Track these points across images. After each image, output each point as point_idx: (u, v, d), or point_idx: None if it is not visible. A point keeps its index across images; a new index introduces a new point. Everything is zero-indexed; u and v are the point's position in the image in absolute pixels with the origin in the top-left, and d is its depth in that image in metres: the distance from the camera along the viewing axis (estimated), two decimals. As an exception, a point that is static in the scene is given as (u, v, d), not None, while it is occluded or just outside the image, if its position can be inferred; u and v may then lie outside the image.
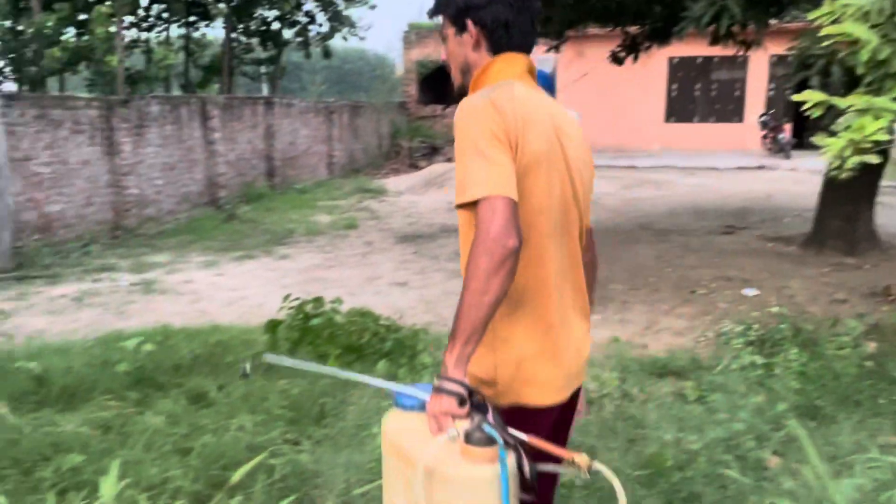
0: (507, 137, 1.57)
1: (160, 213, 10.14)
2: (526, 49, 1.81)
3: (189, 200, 10.91)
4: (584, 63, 19.34)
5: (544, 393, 1.65)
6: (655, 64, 15.56)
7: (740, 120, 20.51)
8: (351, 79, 40.37)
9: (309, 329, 4.41)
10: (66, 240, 8.38)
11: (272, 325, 4.48)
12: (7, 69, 15.76)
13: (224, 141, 11.79)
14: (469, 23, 1.75)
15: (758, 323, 5.20)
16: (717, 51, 15.92)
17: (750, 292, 6.44)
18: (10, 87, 15.86)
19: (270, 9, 20.92)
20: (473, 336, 1.48)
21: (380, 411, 3.39)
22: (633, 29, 9.10)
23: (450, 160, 18.14)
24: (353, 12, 21.87)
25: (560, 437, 1.81)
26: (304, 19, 21.61)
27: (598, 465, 1.44)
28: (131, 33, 19.92)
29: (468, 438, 1.43)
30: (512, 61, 1.77)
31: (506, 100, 1.61)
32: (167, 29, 20.55)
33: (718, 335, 5.24)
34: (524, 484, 1.49)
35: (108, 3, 15.18)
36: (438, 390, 1.49)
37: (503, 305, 1.55)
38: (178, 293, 6.62)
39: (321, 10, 22.08)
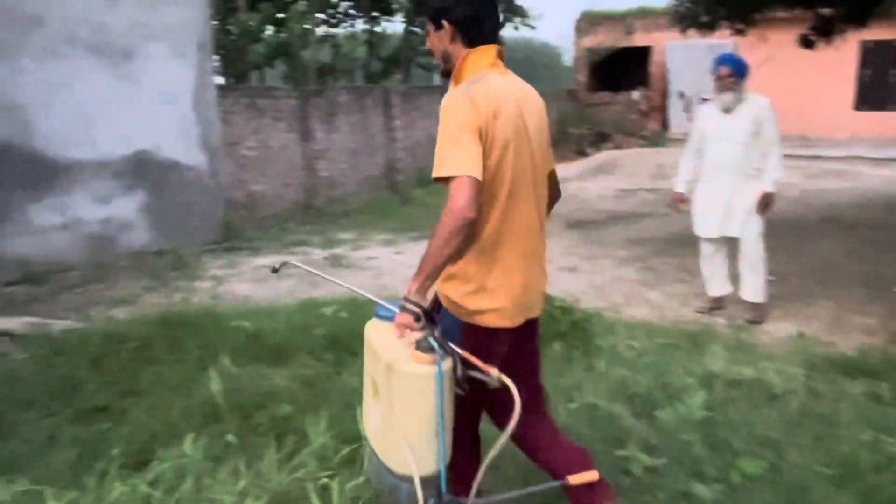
0: (480, 129, 1.97)
1: (345, 195, 10.73)
2: (494, 38, 2.19)
3: (370, 183, 11.46)
4: (767, 47, 18.06)
5: (498, 318, 2.13)
6: (845, 48, 14.18)
7: (945, 107, 18.30)
8: (517, 68, 40.33)
9: (487, 306, 4.51)
10: (267, 216, 9.10)
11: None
12: (218, 64, 17.26)
13: (403, 128, 12.24)
14: (444, 21, 2.14)
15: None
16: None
17: (953, 293, 5.79)
18: (219, 80, 17.38)
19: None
20: (432, 274, 1.96)
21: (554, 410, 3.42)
22: (826, 11, 8.39)
23: (618, 147, 17.68)
24: (525, 2, 21.79)
25: (527, 356, 2.35)
26: (478, 10, 21.83)
27: (505, 378, 1.92)
28: (321, 29, 21.15)
29: (417, 346, 1.93)
30: (484, 52, 2.15)
31: (481, 96, 2.00)
32: (353, 24, 21.59)
33: (917, 337, 4.78)
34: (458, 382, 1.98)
35: (303, 2, 16.19)
36: (403, 308, 1.97)
37: (474, 252, 2.08)
38: (363, 268, 7.00)
39: (495, 1, 22.21)
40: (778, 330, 5.00)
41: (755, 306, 5.29)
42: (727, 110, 5.07)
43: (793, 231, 8.45)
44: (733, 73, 4.98)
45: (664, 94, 21.16)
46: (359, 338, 4.35)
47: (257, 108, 8.95)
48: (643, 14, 20.54)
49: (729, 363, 4.03)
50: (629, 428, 3.07)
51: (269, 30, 18.00)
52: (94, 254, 6.73)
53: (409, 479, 1.93)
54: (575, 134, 18.20)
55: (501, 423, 2.18)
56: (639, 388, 3.44)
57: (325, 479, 2.61)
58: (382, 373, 1.98)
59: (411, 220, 9.59)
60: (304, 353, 3.97)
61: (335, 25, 21.66)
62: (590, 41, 21.16)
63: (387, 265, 7.11)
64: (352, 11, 21.02)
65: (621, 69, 21.66)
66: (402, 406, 1.96)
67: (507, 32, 24.46)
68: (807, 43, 8.54)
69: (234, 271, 6.82)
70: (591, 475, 2.11)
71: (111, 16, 6.76)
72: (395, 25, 24.09)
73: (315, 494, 2.42)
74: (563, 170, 14.83)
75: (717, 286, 5.48)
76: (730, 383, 3.75)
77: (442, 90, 13.91)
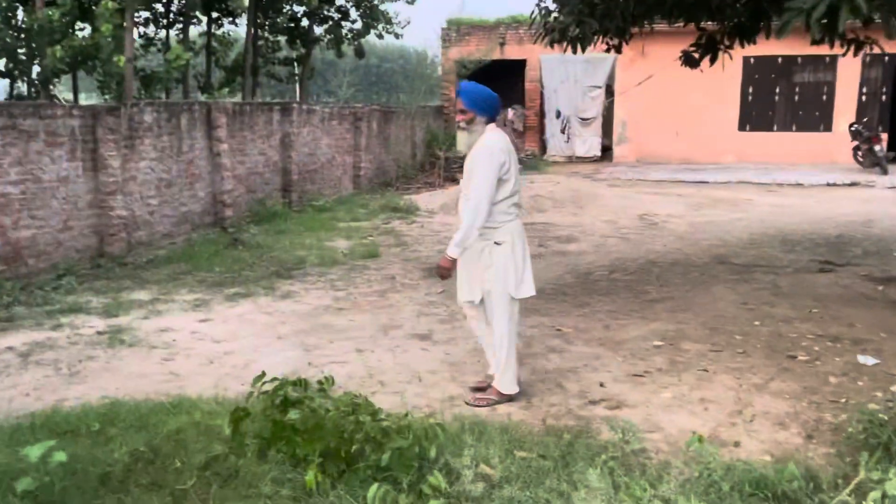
0: None
1: (152, 237, 9.42)
2: None
3: (189, 221, 10.20)
4: (647, 63, 18.29)
5: None
6: (728, 65, 14.47)
7: (828, 129, 19.17)
8: (389, 79, 39.73)
9: (285, 425, 3.53)
10: (38, 270, 7.69)
11: (236, 418, 3.61)
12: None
13: (232, 153, 11.08)
14: None
15: (887, 412, 4.16)
16: (799, 49, 14.53)
17: (867, 361, 5.38)
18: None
19: (300, 4, 20.32)
20: None
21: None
22: (709, 26, 8.09)
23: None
24: (389, 7, 21.12)
25: None
26: (336, 15, 21.01)
27: None
28: (149, 31, 19.50)
29: None
30: None
31: None
32: (187, 26, 20.06)
33: (835, 429, 4.23)
34: None
35: (114, -2, 14.65)
36: None
37: None
38: (151, 346, 5.82)
39: (353, 6, 21.45)
40: (670, 425, 4.31)
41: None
42: (466, 154, 4.62)
43: (681, 276, 8.04)
44: (468, 107, 4.53)
45: (541, 114, 21.07)
46: (91, 484, 3.28)
47: (23, 131, 7.55)
48: (515, 24, 20.39)
49: (620, 497, 3.24)
50: None
51: (86, 31, 16.27)
52: None
53: None
54: (443, 157, 17.58)
55: None
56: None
57: None
58: None
59: (234, 269, 8.46)
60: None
61: (166, 27, 20.09)
62: (458, 52, 20.77)
63: (184, 341, 5.96)
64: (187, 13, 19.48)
65: (495, 84, 21.47)
66: None
67: (371, 40, 23.79)
68: (690, 61, 8.22)
69: (-38, 359, 5.45)
70: None
71: None
72: (242, 29, 22.83)
73: None
74: (427, 200, 14.11)
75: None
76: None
77: (282, 107, 12.86)
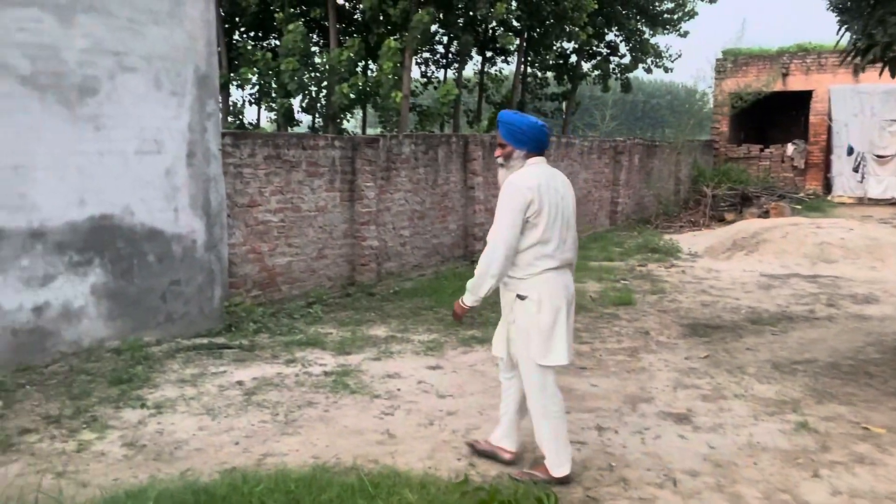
0: None
1: (402, 269, 8.97)
2: None
3: (439, 253, 9.65)
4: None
5: None
6: None
7: None
8: (655, 114, 37.66)
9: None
10: (290, 297, 7.47)
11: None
12: (301, 105, 16.19)
13: (486, 186, 10.40)
14: None
15: None
16: None
17: None
18: (304, 123, 16.31)
19: (568, 41, 19.60)
20: None
21: None
22: None
23: (767, 213, 14.98)
24: (660, 40, 19.61)
25: None
26: (605, 51, 20.00)
27: None
28: (430, 70, 19.93)
29: None
30: None
31: None
32: (462, 65, 20.19)
33: None
34: None
35: (397, 38, 14.91)
36: None
37: None
38: (374, 394, 5.12)
39: (623, 41, 20.29)
40: None
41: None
42: None
43: None
44: (505, 140, 3.67)
45: (827, 150, 18.22)
46: None
47: (285, 160, 7.40)
48: (802, 52, 17.82)
49: None
50: None
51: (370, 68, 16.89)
52: (18, 355, 5.25)
53: None
54: (710, 194, 15.65)
55: None
56: None
57: None
58: None
59: (475, 308, 7.64)
60: None
61: (444, 66, 20.42)
62: (733, 84, 18.61)
63: (408, 392, 5.19)
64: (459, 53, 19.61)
65: (772, 118, 18.93)
66: None
67: (638, 76, 22.39)
68: None
69: (192, 391, 5.11)
70: None
71: (65, 38, 5.38)
72: (513, 66, 22.68)
73: None
74: (691, 241, 12.42)
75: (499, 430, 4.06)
76: None
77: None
